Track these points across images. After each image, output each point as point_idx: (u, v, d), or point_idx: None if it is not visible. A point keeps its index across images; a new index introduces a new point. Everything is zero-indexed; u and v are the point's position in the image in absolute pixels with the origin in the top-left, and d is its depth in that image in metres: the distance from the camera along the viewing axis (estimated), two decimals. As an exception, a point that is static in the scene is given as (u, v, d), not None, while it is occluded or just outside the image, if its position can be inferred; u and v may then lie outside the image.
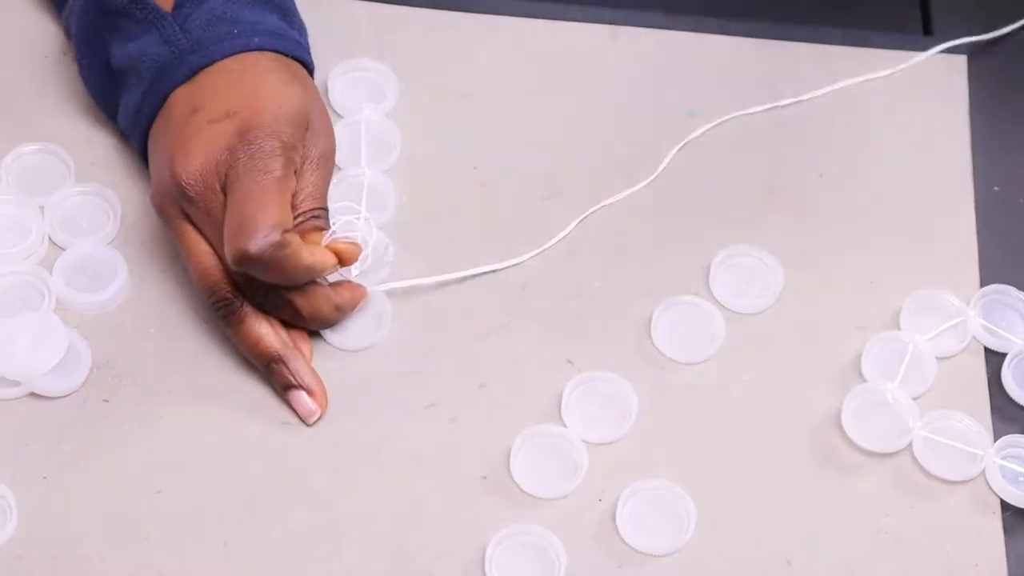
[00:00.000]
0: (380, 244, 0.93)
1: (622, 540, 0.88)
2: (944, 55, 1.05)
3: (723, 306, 0.95)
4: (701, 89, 1.03)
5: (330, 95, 1.00)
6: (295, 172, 0.90)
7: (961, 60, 1.05)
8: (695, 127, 1.02)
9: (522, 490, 0.89)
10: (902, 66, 1.05)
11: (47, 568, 0.85)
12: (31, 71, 1.00)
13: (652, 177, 1.00)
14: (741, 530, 0.89)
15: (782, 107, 1.03)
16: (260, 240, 0.86)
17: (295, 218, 0.89)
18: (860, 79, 1.04)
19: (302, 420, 0.90)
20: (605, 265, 0.96)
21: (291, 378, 0.89)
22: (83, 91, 0.99)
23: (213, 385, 0.91)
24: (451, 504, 0.88)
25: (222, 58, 0.92)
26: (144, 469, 0.88)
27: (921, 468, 0.91)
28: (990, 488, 0.90)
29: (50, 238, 0.95)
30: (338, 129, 0.97)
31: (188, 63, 0.92)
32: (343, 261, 0.90)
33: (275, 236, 0.86)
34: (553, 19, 1.05)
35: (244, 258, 0.86)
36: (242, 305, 0.90)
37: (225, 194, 0.88)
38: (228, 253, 0.87)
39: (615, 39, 1.05)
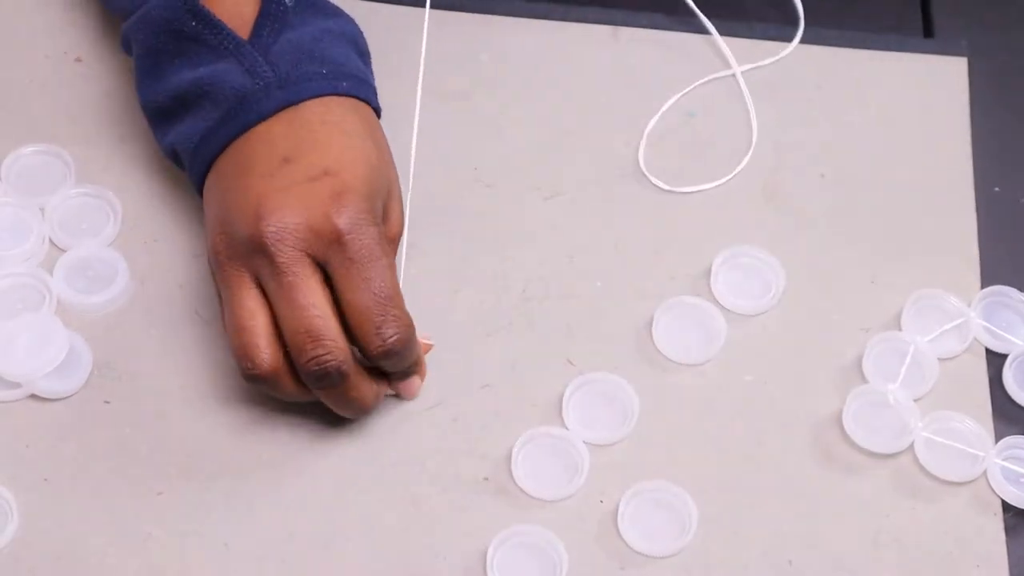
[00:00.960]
0: None
1: (624, 541, 0.88)
2: (945, 57, 1.05)
3: (724, 307, 0.95)
4: (702, 89, 1.03)
5: None
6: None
7: (962, 62, 1.05)
8: (696, 127, 1.01)
9: (523, 491, 0.89)
10: (903, 68, 1.05)
11: (48, 569, 0.85)
12: (32, 71, 1.00)
13: (653, 177, 0.99)
14: (743, 531, 0.89)
15: (783, 108, 1.03)
16: (401, 330, 0.84)
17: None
18: (861, 81, 1.04)
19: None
20: (606, 265, 0.96)
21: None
22: (84, 91, 0.99)
23: (214, 386, 0.91)
24: (452, 505, 0.88)
25: (310, 98, 0.87)
26: (145, 470, 0.88)
27: (922, 469, 0.91)
28: (991, 489, 0.90)
29: (50, 239, 0.94)
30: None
31: (275, 98, 0.87)
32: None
33: (411, 326, 0.85)
34: (554, 19, 1.05)
35: (388, 352, 0.85)
36: (280, 372, 0.85)
37: (318, 264, 0.84)
38: (369, 346, 0.84)
39: (616, 39, 1.05)
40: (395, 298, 0.85)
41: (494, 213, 0.98)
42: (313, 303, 0.83)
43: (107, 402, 0.90)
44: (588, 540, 0.88)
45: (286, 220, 0.83)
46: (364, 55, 0.95)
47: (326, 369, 0.83)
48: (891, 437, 0.91)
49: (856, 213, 0.99)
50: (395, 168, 0.91)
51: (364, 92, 0.91)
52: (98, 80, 1.00)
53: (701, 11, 1.05)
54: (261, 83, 0.88)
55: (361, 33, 0.95)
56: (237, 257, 0.84)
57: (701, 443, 0.91)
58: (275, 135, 0.87)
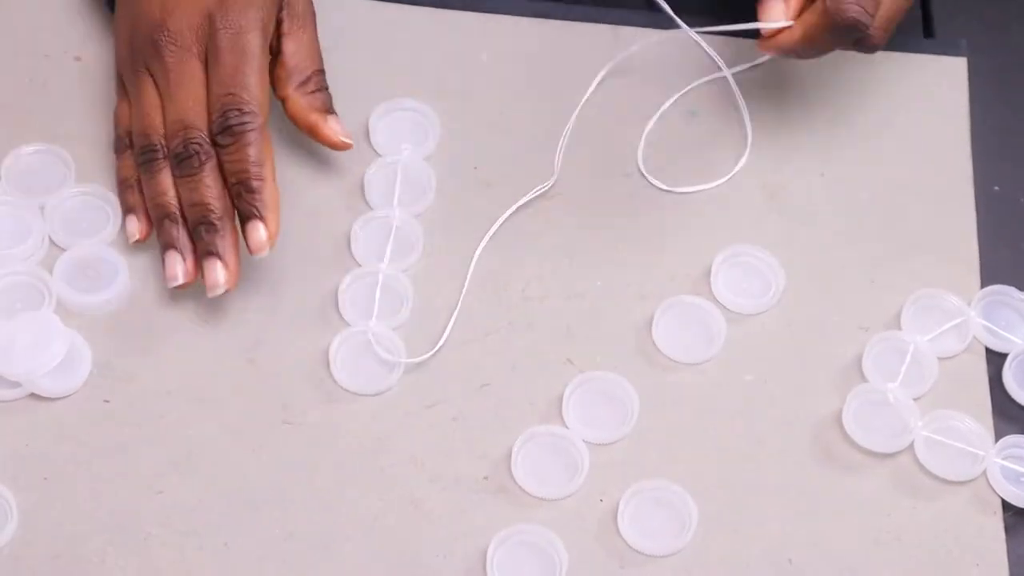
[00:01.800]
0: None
1: (623, 540, 0.88)
2: (944, 57, 1.05)
3: (724, 306, 0.95)
4: (702, 89, 1.03)
5: (371, 135, 1.00)
6: (281, 36, 0.94)
7: (961, 62, 1.05)
8: (696, 127, 1.01)
9: (523, 490, 0.89)
10: (903, 67, 1.04)
11: (47, 569, 0.85)
12: (32, 71, 1.00)
13: (653, 177, 0.99)
14: (742, 530, 0.89)
15: (783, 107, 1.03)
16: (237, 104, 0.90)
17: (301, 83, 0.94)
18: (862, 80, 1.04)
19: (208, 289, 0.90)
20: (607, 265, 0.96)
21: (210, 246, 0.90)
22: (83, 91, 0.99)
23: (213, 385, 0.91)
24: (453, 504, 0.88)
25: None
26: (145, 470, 0.88)
27: (922, 468, 0.91)
28: (991, 488, 0.90)
29: (50, 239, 0.94)
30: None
31: None
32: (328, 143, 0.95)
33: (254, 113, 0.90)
34: (554, 19, 1.05)
35: (223, 126, 0.90)
36: (165, 159, 0.91)
37: (200, 60, 0.91)
38: (212, 118, 0.90)
39: (616, 39, 1.05)
40: (247, 85, 0.90)
41: (494, 213, 0.98)
42: (191, 96, 0.91)
43: (107, 401, 0.90)
44: (588, 539, 0.88)
45: (175, 25, 0.91)
46: None
47: (188, 150, 0.90)
48: (891, 436, 0.91)
49: (856, 213, 1.00)
50: None
51: None
52: (98, 79, 1.00)
53: (706, 9, 1.05)
54: None
55: None
56: (137, 59, 0.93)
57: (701, 442, 0.91)
58: None
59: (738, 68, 1.03)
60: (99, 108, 0.99)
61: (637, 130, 1.01)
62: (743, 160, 1.00)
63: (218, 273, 0.89)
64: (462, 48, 1.03)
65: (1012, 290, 0.96)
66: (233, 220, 0.90)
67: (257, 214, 0.90)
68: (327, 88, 0.95)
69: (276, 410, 0.90)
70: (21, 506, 0.86)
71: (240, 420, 0.90)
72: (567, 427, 0.91)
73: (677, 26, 1.04)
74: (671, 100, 1.03)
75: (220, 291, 0.89)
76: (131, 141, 0.93)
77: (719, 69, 1.04)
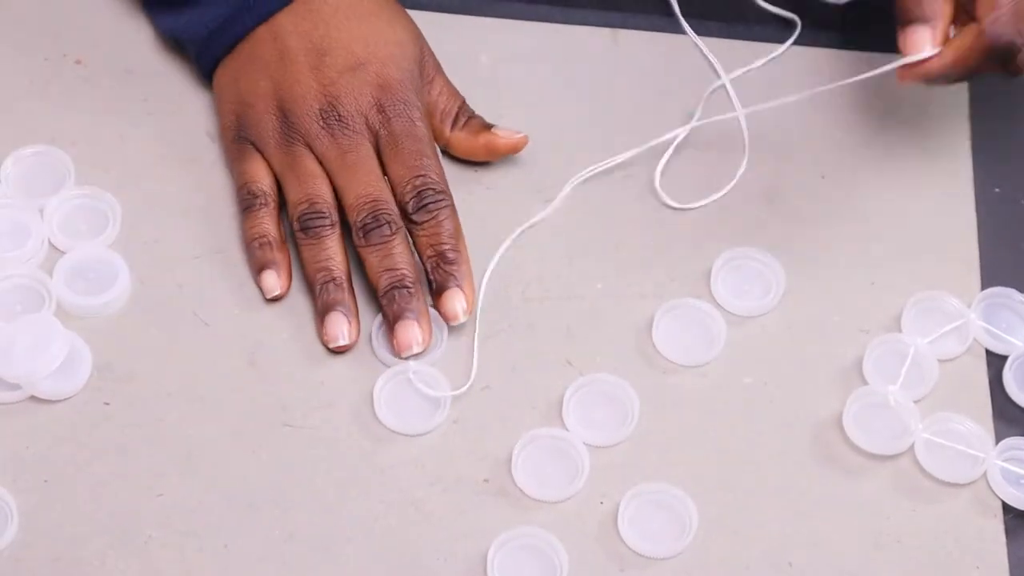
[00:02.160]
0: None
1: (624, 543, 0.88)
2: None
3: (724, 309, 0.95)
4: (701, 91, 1.03)
5: None
6: (428, 90, 0.98)
7: (961, 62, 1.05)
8: (696, 129, 1.01)
9: (524, 493, 0.89)
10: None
11: (48, 571, 0.85)
12: (31, 73, 1.00)
13: (654, 179, 0.99)
14: (743, 533, 0.89)
15: (783, 109, 1.02)
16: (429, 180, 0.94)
17: (453, 121, 0.98)
18: (860, 81, 1.03)
19: (401, 350, 0.92)
20: (607, 267, 0.96)
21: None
22: (84, 94, 0.99)
23: (214, 387, 0.91)
24: (453, 507, 0.88)
25: None
26: (145, 472, 0.88)
27: (923, 470, 0.91)
28: (991, 491, 0.90)
29: (50, 241, 0.94)
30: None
31: None
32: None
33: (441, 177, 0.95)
34: (553, 22, 1.05)
35: (419, 203, 0.93)
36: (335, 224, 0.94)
37: (371, 142, 0.94)
38: (402, 193, 0.94)
39: (616, 42, 1.05)
40: (432, 167, 0.94)
41: (494, 215, 0.98)
42: (372, 175, 0.94)
43: (107, 403, 0.90)
44: (588, 541, 0.88)
45: (345, 110, 0.94)
46: None
47: (379, 219, 0.92)
48: (891, 438, 0.91)
49: (856, 214, 0.99)
50: (415, 26, 0.99)
51: None
52: (98, 82, 1.00)
53: (703, 14, 1.05)
54: None
55: None
56: (296, 138, 0.95)
57: (701, 444, 0.91)
58: (299, 26, 0.96)
59: (735, 73, 1.03)
60: (99, 110, 0.99)
61: (638, 132, 1.01)
62: (743, 165, 1.00)
63: (415, 332, 0.91)
64: (462, 52, 1.03)
65: (1013, 292, 0.96)
66: (422, 287, 0.93)
67: (455, 283, 0.92)
68: (475, 113, 0.99)
69: (276, 412, 0.90)
70: (21, 508, 0.86)
71: (240, 422, 0.90)
72: (567, 429, 0.91)
73: (677, 28, 1.04)
74: (672, 102, 1.02)
75: (415, 351, 0.91)
76: (266, 201, 0.94)
77: (718, 71, 1.04)
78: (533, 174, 1.00)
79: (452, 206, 0.94)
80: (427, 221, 0.93)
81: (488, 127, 0.98)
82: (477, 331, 0.93)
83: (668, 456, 0.91)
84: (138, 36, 1.01)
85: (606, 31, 1.05)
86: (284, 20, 0.96)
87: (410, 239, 0.93)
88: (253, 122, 0.95)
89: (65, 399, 0.90)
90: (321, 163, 0.94)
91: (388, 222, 0.92)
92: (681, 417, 0.92)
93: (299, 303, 0.94)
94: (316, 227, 0.93)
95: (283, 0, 0.96)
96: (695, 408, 0.92)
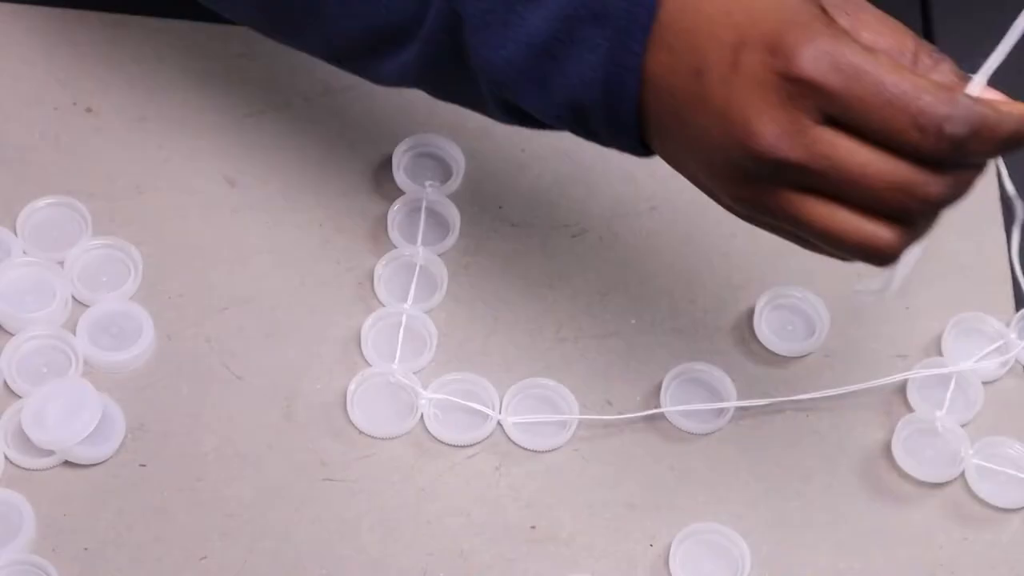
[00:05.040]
0: None
1: (677, 586, 0.86)
2: (964, 74, 1.04)
3: (770, 350, 0.94)
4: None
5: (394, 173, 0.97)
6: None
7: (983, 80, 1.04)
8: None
9: (572, 539, 0.87)
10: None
11: (92, 642, 0.83)
12: (41, 124, 0.98)
13: (678, 209, 0.98)
14: (795, 570, 0.87)
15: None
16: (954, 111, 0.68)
17: (913, 64, 0.71)
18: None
19: None
20: (639, 302, 0.95)
21: None
22: (96, 142, 0.97)
23: (251, 444, 0.89)
24: (501, 555, 0.87)
25: None
26: (186, 535, 0.86)
27: (974, 497, 0.90)
28: (1046, 515, 0.90)
29: (72, 295, 0.92)
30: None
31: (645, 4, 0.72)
32: None
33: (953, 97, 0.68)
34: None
35: (956, 143, 0.68)
36: None
37: (825, 123, 0.69)
38: (932, 152, 0.69)
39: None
40: (909, 86, 0.68)
41: (522, 253, 0.96)
42: (862, 161, 0.69)
43: (143, 465, 0.88)
44: (641, 586, 0.87)
45: (768, 127, 0.69)
46: None
47: (937, 202, 0.73)
48: (942, 465, 0.90)
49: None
50: None
51: None
52: (109, 130, 0.98)
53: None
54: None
55: None
56: (767, 188, 0.71)
57: (747, 481, 0.90)
58: (659, 56, 0.71)
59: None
60: (112, 159, 0.97)
61: (659, 165, 0.99)
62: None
63: None
64: (480, 84, 1.01)
65: (1051, 310, 0.95)
66: None
67: None
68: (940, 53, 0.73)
69: (315, 466, 0.88)
70: (62, 577, 0.84)
71: (280, 478, 0.88)
72: (613, 471, 0.89)
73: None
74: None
75: None
76: None
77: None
78: (559, 209, 0.98)
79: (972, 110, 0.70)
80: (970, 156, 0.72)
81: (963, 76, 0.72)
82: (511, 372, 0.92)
83: (715, 494, 0.89)
84: (149, 82, 0.99)
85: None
86: (654, 62, 0.72)
87: None
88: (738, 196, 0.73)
89: (100, 463, 0.87)
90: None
91: (942, 196, 0.73)
92: (725, 454, 0.91)
93: (328, 352, 0.92)
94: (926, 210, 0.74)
95: (648, 14, 0.71)
96: (739, 444, 0.91)
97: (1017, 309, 0.96)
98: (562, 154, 0.99)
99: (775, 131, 0.69)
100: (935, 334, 0.95)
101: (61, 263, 0.93)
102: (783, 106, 0.69)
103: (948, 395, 0.92)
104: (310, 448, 0.89)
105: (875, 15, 0.72)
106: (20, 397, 0.88)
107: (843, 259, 0.75)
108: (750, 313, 0.94)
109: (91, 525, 0.86)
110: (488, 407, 0.90)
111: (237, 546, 0.86)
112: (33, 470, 0.87)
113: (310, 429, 0.89)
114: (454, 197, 0.97)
